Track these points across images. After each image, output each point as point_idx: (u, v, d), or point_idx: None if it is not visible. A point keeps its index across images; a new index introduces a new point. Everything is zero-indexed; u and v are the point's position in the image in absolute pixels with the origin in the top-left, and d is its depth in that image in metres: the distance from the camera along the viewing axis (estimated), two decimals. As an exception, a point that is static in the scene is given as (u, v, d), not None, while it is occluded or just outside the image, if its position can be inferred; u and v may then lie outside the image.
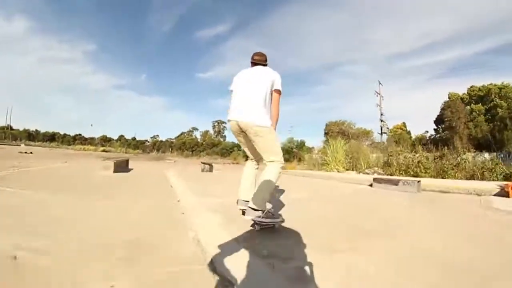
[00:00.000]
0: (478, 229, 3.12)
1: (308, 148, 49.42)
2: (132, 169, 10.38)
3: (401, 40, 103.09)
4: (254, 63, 3.52)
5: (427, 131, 50.17)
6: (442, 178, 8.80)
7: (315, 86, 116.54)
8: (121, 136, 78.52)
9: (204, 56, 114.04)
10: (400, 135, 45.86)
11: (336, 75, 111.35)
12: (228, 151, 53.05)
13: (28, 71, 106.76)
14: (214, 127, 77.30)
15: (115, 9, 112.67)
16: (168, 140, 75.80)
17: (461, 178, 8.55)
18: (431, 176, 9.14)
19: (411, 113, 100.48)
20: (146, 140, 79.08)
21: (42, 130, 77.67)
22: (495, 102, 41.26)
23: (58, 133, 78.76)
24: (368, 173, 11.95)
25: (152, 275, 1.78)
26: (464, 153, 10.23)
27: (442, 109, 46.25)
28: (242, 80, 3.36)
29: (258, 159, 3.42)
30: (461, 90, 47.30)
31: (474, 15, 78.39)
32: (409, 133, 52.35)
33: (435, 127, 48.99)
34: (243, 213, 3.02)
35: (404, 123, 54.87)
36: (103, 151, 54.38)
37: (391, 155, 12.51)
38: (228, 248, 2.22)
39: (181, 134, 76.32)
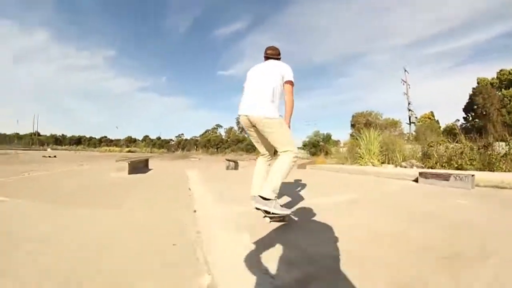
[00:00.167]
0: None
1: (334, 142, 48.44)
2: (151, 169, 9.70)
3: (421, 26, 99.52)
4: (266, 58, 3.56)
5: (458, 120, 47.52)
6: (490, 170, 7.72)
7: (337, 78, 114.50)
8: (146, 137, 79.27)
9: (224, 54, 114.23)
10: (429, 125, 43.86)
11: (357, 66, 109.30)
12: (253, 147, 51.38)
13: (52, 79, 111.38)
14: (238, 123, 76.56)
15: (131, 13, 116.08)
16: (193, 138, 75.61)
17: (509, 170, 7.49)
18: (476, 169, 8.03)
19: (438, 101, 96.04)
20: (171, 139, 79.22)
21: (69, 135, 79.58)
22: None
23: (84, 136, 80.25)
24: (405, 166, 10.94)
25: None
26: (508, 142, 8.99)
27: (472, 95, 43.34)
28: (253, 75, 3.39)
29: (270, 154, 3.46)
30: (489, 75, 43.97)
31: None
32: (437, 122, 49.88)
33: (465, 115, 45.95)
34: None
35: (432, 112, 52.40)
36: (129, 151, 57.00)
37: (431, 146, 11.39)
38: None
39: (206, 131, 76.05)
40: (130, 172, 7.46)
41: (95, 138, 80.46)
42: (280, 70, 3.25)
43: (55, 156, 21.01)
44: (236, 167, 11.28)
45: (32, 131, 71.17)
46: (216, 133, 74.67)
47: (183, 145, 72.74)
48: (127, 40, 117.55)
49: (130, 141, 76.91)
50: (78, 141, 76.75)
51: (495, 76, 42.84)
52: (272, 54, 3.55)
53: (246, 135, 68.17)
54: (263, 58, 3.59)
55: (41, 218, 3.17)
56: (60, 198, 4.46)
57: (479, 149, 9.12)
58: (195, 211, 3.53)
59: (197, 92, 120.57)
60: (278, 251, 2.10)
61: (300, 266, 1.83)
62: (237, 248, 2.19)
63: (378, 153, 12.26)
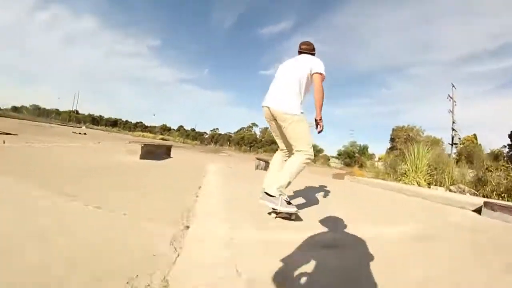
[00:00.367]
0: None
1: (369, 155, 46.51)
2: (171, 157, 8.72)
3: (469, 42, 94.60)
4: (300, 52, 3.49)
5: (505, 146, 43.87)
6: None
7: (379, 88, 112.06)
8: (181, 127, 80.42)
9: (267, 53, 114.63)
10: (473, 148, 41.00)
11: (400, 77, 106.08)
12: (286, 151, 50.85)
13: (97, 62, 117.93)
14: (272, 125, 75.94)
15: (177, 6, 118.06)
16: (227, 134, 75.47)
17: None
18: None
19: (480, 124, 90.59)
20: (205, 132, 79.57)
21: (106, 116, 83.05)
22: None
23: (121, 119, 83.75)
24: (454, 191, 9.52)
25: None
26: None
27: None
28: (282, 68, 3.36)
29: (289, 150, 3.34)
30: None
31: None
32: (480, 146, 46.45)
33: (510, 143, 42.58)
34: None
35: (475, 135, 49.25)
36: (162, 139, 56.62)
37: (490, 170, 9.88)
38: None
39: (241, 129, 75.84)
40: (143, 157, 6.53)
41: (130, 122, 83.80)
42: (310, 63, 3.18)
43: (85, 134, 21.06)
44: (266, 167, 9.90)
45: (71, 109, 74.06)
46: (251, 131, 74.12)
47: (216, 140, 72.80)
48: (173, 32, 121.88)
49: (165, 129, 78.01)
50: (114, 123, 79.80)
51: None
52: (306, 49, 3.46)
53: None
54: (297, 53, 3.51)
55: None
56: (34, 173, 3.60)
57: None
58: (187, 227, 2.34)
59: (237, 88, 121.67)
60: None
61: None
62: None
63: (425, 172, 10.82)
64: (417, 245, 2.60)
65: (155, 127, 79.52)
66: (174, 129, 79.62)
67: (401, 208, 5.03)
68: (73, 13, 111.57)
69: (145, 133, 67.24)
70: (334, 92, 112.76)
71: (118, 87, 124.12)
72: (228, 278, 1.50)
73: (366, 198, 5.90)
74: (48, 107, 76.18)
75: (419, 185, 10.46)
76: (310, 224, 2.90)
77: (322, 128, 3.16)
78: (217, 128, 79.39)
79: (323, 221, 3.03)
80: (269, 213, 2.97)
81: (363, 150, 45.80)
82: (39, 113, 61.06)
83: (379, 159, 52.16)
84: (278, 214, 2.93)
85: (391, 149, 47.16)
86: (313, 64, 3.16)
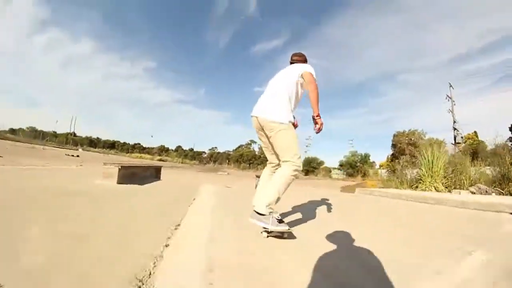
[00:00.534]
0: None
1: (370, 163, 45.54)
2: (158, 180, 7.62)
3: (460, 43, 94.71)
4: (292, 63, 3.43)
5: (510, 139, 42.78)
6: None
7: (373, 97, 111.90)
8: (179, 147, 79.49)
9: (261, 70, 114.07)
10: (477, 145, 40.01)
11: (394, 84, 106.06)
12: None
13: (94, 84, 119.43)
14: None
15: (172, 27, 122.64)
16: (226, 152, 74.47)
17: None
18: None
19: (477, 121, 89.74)
20: (203, 152, 78.61)
21: (103, 138, 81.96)
22: None
23: (118, 141, 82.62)
24: (473, 192, 8.65)
25: None
26: None
27: None
28: (273, 79, 3.29)
29: (277, 162, 3.13)
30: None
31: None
32: (483, 142, 45.65)
33: (511, 135, 41.52)
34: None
35: (475, 132, 48.49)
36: (160, 160, 55.87)
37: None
38: None
39: (239, 146, 74.59)
40: (120, 181, 5.52)
41: (128, 144, 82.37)
42: (298, 69, 3.10)
43: (77, 156, 20.62)
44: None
45: (68, 131, 73.88)
46: (249, 148, 73.12)
47: (215, 158, 71.90)
48: (168, 53, 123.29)
49: (163, 150, 77.18)
50: (112, 145, 78.75)
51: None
52: (298, 60, 3.43)
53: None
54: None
55: None
56: None
57: None
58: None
59: (233, 106, 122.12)
60: None
61: None
62: None
63: (442, 176, 9.83)
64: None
65: (153, 148, 78.43)
66: (172, 150, 78.90)
67: (443, 225, 4.00)
68: (71, 36, 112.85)
69: (143, 155, 66.61)
70: (329, 104, 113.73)
71: (115, 109, 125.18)
72: None
73: (392, 214, 4.92)
74: (47, 129, 74.60)
75: (437, 191, 9.49)
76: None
77: (321, 126, 2.98)
78: (216, 147, 78.36)
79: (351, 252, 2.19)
80: (261, 232, 2.82)
81: (365, 158, 44.71)
82: (35, 135, 60.56)
83: (381, 166, 51.69)
84: (269, 233, 2.80)
85: (394, 155, 46.46)
86: (301, 69, 3.06)
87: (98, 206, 3.51)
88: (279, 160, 2.99)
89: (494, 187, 9.02)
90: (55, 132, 74.77)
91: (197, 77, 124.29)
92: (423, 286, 1.77)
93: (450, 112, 36.81)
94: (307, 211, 4.45)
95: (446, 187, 9.71)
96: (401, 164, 12.61)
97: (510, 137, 40.80)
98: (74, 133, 74.99)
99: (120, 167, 5.50)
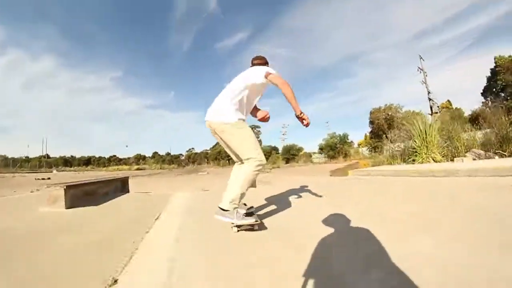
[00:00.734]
0: None
1: (349, 143, 45.17)
2: (126, 193, 6.53)
3: (422, 18, 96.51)
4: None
5: (487, 102, 43.52)
6: None
7: (342, 79, 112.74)
8: (155, 153, 77.59)
9: (229, 66, 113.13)
10: (452, 113, 40.29)
11: (361, 64, 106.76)
12: (266, 156, 48.68)
13: (61, 102, 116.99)
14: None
15: (133, 35, 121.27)
16: (203, 151, 73.13)
17: None
18: None
19: (449, 90, 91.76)
20: (181, 154, 77.00)
21: (78, 156, 79.78)
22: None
23: (94, 156, 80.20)
24: (474, 159, 8.29)
25: None
26: None
27: (492, 76, 40.48)
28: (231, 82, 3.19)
29: (240, 160, 3.14)
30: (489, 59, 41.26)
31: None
32: (458, 110, 46.27)
33: (483, 100, 42.35)
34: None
35: (449, 101, 49.06)
36: (137, 169, 54.78)
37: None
38: None
39: (216, 144, 73.25)
40: (71, 204, 4.41)
41: (104, 157, 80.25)
42: (253, 72, 3.08)
43: (49, 178, 19.64)
44: (253, 183, 7.11)
45: (41, 154, 71.91)
46: (226, 144, 72.21)
47: (193, 159, 70.52)
48: (132, 61, 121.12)
49: (140, 159, 75.27)
50: (87, 162, 76.53)
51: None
52: (258, 64, 3.31)
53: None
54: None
55: None
56: None
57: None
58: None
59: (205, 105, 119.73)
60: None
61: None
62: None
63: (437, 146, 9.09)
64: None
65: (129, 158, 76.67)
66: (149, 157, 76.99)
67: (470, 202, 3.14)
68: (30, 55, 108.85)
69: (120, 166, 65.51)
70: (300, 90, 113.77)
71: (87, 125, 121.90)
72: None
73: (425, 196, 4.02)
74: (20, 155, 73.45)
75: (435, 161, 8.77)
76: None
77: (308, 121, 2.94)
78: (193, 148, 76.98)
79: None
80: (231, 227, 2.86)
81: (344, 139, 44.26)
82: (6, 164, 58.23)
83: (359, 145, 51.73)
84: (239, 227, 2.83)
85: (372, 132, 46.33)
86: (258, 70, 3.05)
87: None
88: (241, 159, 3.01)
89: (495, 150, 8.40)
90: (27, 157, 73.21)
91: (165, 80, 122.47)
92: None
93: (424, 84, 36.59)
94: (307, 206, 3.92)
95: (444, 157, 9.02)
96: (389, 139, 11.82)
97: (483, 102, 41.89)
98: (47, 155, 72.95)
99: (65, 188, 4.37)
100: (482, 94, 43.07)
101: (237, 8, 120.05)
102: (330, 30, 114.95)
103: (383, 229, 2.46)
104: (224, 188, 3.11)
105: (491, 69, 40.65)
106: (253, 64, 3.35)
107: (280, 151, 50.53)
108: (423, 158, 8.90)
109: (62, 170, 53.03)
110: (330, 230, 2.64)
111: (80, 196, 4.85)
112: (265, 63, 3.34)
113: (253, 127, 71.58)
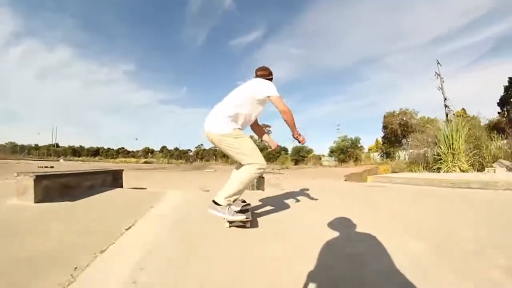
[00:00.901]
0: None
1: (359, 147, 44.13)
2: (117, 188, 5.84)
3: (439, 22, 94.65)
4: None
5: (504, 112, 41.91)
6: None
7: (356, 82, 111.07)
8: (164, 147, 77.10)
9: (242, 64, 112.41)
10: (469, 121, 38.82)
11: (376, 68, 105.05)
12: (275, 156, 48.29)
13: (73, 93, 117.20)
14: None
15: (148, 28, 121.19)
16: (212, 148, 72.59)
17: None
18: None
19: (464, 98, 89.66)
20: (189, 150, 76.51)
21: (87, 146, 79.97)
22: None
23: (102, 147, 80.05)
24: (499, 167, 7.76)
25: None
26: None
27: (510, 86, 38.23)
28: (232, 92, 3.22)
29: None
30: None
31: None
32: (474, 118, 44.47)
33: (499, 110, 40.72)
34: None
35: (464, 110, 47.58)
36: (145, 162, 54.64)
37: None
38: None
39: (225, 142, 72.96)
40: (43, 198, 3.70)
41: (112, 149, 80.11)
42: (255, 85, 3.09)
43: (52, 167, 19.28)
44: (261, 185, 5.96)
45: (51, 143, 72.49)
46: (235, 142, 71.64)
47: (201, 156, 70.06)
48: (146, 54, 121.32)
49: (148, 152, 74.87)
50: (96, 152, 76.64)
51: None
52: (262, 75, 3.29)
53: (265, 144, 66.72)
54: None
55: None
56: None
57: None
58: None
59: (217, 102, 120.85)
60: None
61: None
62: None
63: (464, 154, 8.26)
64: None
65: (137, 151, 76.37)
66: (157, 151, 76.39)
67: None
68: (46, 46, 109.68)
69: (127, 159, 65.51)
70: (312, 92, 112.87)
71: (98, 116, 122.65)
72: None
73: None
74: (30, 143, 74.15)
75: (461, 171, 7.94)
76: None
77: (304, 140, 3.21)
78: (202, 144, 76.48)
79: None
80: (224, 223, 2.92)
81: (355, 142, 43.23)
82: (14, 150, 58.66)
83: (369, 150, 50.63)
84: (231, 223, 2.90)
85: (385, 137, 45.22)
86: (261, 86, 3.05)
87: None
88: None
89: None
90: (37, 145, 73.62)
91: (178, 76, 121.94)
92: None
93: (440, 90, 35.50)
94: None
95: (470, 166, 8.19)
96: (408, 144, 10.96)
97: (499, 112, 40.35)
98: (56, 144, 73.53)
99: (35, 178, 3.66)
100: (498, 104, 41.62)
101: (253, 6, 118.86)
102: (345, 32, 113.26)
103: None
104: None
105: (510, 78, 38.78)
106: (256, 75, 3.31)
107: (289, 152, 49.65)
108: (449, 167, 8.09)
109: (70, 160, 52.82)
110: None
111: (58, 188, 4.13)
112: (269, 74, 3.33)
113: (263, 126, 71.57)
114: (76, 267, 1.85)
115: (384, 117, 43.94)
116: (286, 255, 2.14)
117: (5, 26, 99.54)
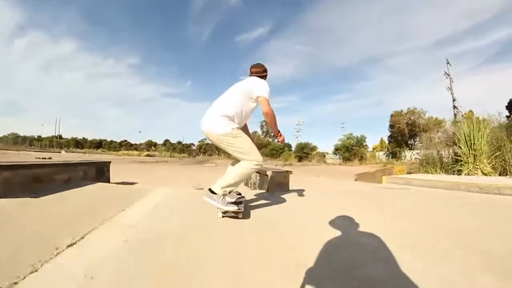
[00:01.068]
0: None
1: (364, 146, 43.23)
2: (101, 183, 5.21)
3: (443, 24, 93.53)
4: (251, 75, 3.41)
5: (507, 117, 40.51)
6: None
7: (361, 81, 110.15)
8: (166, 141, 76.79)
9: (247, 60, 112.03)
10: (478, 123, 37.78)
11: (381, 68, 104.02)
12: (278, 152, 47.51)
13: (78, 85, 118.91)
14: (262, 127, 73.17)
15: (153, 22, 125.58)
16: (215, 143, 72.01)
17: None
18: None
19: (471, 100, 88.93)
20: (192, 144, 75.95)
21: (90, 138, 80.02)
22: None
23: (105, 140, 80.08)
24: None
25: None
26: None
27: None
28: (229, 90, 3.26)
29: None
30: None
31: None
32: (484, 120, 43.43)
33: (508, 114, 39.74)
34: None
35: (471, 111, 46.48)
36: (147, 155, 54.18)
37: None
38: None
39: (228, 135, 72.45)
40: (2, 193, 3.08)
41: (115, 142, 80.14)
42: (249, 84, 3.15)
43: (50, 158, 18.34)
44: (262, 184, 5.52)
45: (54, 134, 72.56)
46: (239, 136, 71.13)
47: (204, 150, 69.58)
48: (151, 48, 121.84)
49: (151, 145, 74.81)
50: (98, 145, 76.43)
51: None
52: (256, 72, 3.36)
53: (270, 140, 66.23)
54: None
55: None
56: None
57: None
58: None
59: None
60: None
61: None
62: None
63: (486, 155, 7.52)
64: None
65: (140, 144, 76.07)
66: (160, 144, 76.30)
67: None
68: (52, 38, 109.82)
69: (130, 151, 65.11)
70: (316, 91, 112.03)
71: (102, 108, 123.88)
72: None
73: None
74: (34, 134, 75.00)
75: (483, 174, 7.23)
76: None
77: (283, 139, 3.32)
78: (205, 139, 75.84)
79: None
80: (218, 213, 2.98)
81: (361, 141, 42.33)
82: (15, 141, 58.56)
83: (374, 149, 49.73)
84: (224, 213, 2.95)
85: (391, 136, 44.40)
86: (255, 86, 3.11)
87: None
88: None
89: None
90: (39, 137, 73.88)
91: (183, 70, 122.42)
92: None
93: (449, 90, 34.50)
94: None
95: (493, 169, 7.47)
96: (424, 143, 10.18)
97: (506, 115, 39.16)
98: (59, 135, 73.45)
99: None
100: (507, 107, 40.68)
101: (259, 2, 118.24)
102: (351, 31, 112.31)
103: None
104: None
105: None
106: (251, 72, 3.38)
107: (293, 149, 48.84)
108: (470, 169, 7.37)
109: (72, 151, 52.72)
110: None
111: (23, 181, 3.50)
112: (263, 71, 3.37)
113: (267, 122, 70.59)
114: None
115: (392, 116, 43.12)
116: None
117: (10, 18, 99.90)
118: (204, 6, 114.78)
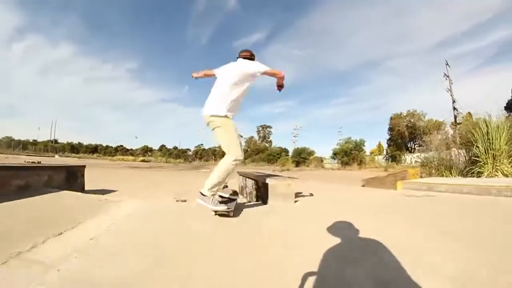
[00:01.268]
0: None
1: (362, 150, 42.58)
2: (69, 191, 4.53)
3: (443, 27, 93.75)
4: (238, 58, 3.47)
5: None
6: None
7: (360, 85, 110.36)
8: (162, 146, 76.32)
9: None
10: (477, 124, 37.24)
11: (380, 71, 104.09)
12: (275, 157, 46.92)
13: (75, 90, 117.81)
14: (258, 132, 72.75)
15: (152, 27, 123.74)
16: (211, 148, 71.55)
17: None
18: None
19: (470, 102, 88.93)
20: (188, 149, 75.40)
21: (86, 143, 79.48)
22: None
23: (101, 145, 79.69)
24: None
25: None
26: None
27: None
28: (219, 74, 3.45)
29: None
30: None
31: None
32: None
33: (507, 114, 39.28)
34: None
35: (469, 113, 46.03)
36: (143, 161, 53.96)
37: None
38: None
39: (225, 141, 72.14)
40: None
41: (111, 147, 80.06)
42: (242, 65, 3.24)
43: (39, 162, 17.66)
44: (263, 196, 4.49)
45: (49, 138, 71.74)
46: (235, 143, 70.80)
47: (200, 155, 69.14)
48: (149, 53, 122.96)
49: (146, 151, 74.33)
50: (94, 150, 76.14)
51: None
52: (245, 56, 3.42)
53: (267, 145, 66.09)
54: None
55: None
56: None
57: None
58: None
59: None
60: None
61: None
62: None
63: (507, 155, 6.81)
64: None
65: (136, 149, 75.76)
66: (156, 150, 75.97)
67: None
68: (50, 42, 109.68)
69: (125, 157, 64.94)
70: (315, 94, 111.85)
71: (99, 113, 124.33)
72: None
73: None
74: (30, 138, 74.57)
75: (504, 175, 6.57)
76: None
77: (282, 72, 3.30)
78: (201, 144, 75.41)
79: None
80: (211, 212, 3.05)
81: (359, 145, 41.59)
82: (9, 145, 57.77)
83: (371, 153, 49.17)
84: (216, 212, 3.04)
85: (391, 139, 43.80)
86: (251, 66, 3.22)
87: None
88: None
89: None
90: (35, 141, 73.34)
91: (180, 75, 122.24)
92: None
93: (449, 91, 33.96)
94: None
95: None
96: (433, 145, 9.44)
97: (506, 116, 38.71)
98: (55, 140, 72.81)
99: None
100: (505, 108, 40.41)
101: (257, 6, 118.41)
102: (349, 34, 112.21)
103: None
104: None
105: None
106: (239, 56, 3.43)
107: (290, 154, 48.13)
108: (490, 171, 6.66)
109: (67, 156, 52.25)
110: None
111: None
112: (251, 55, 3.45)
113: (264, 127, 70.76)
114: None
115: (391, 118, 42.56)
116: None
117: (9, 22, 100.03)
118: (202, 11, 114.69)
